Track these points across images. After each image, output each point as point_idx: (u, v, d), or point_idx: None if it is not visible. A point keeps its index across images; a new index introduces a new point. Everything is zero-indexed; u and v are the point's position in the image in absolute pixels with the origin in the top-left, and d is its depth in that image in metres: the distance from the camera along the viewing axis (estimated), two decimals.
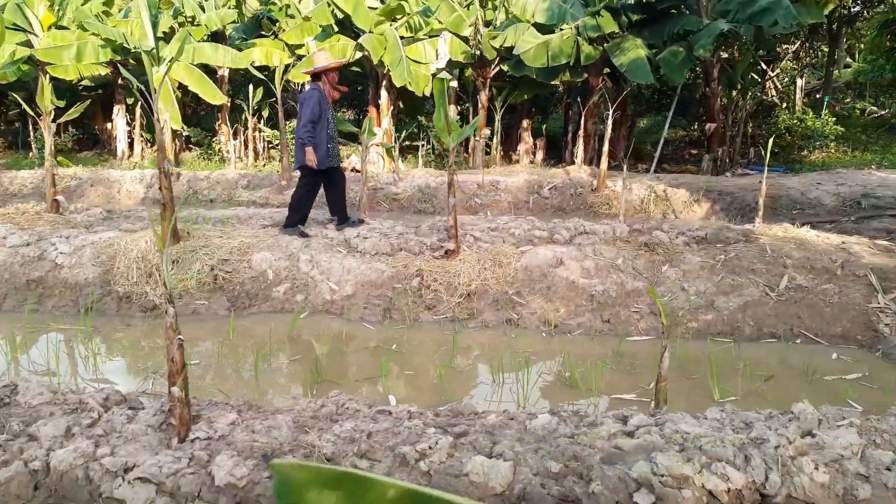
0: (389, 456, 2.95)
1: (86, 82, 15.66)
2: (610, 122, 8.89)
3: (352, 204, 9.22)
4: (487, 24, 12.70)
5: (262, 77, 11.30)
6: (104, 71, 13.62)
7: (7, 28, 13.80)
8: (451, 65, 12.40)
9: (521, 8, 11.83)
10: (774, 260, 5.68)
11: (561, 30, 11.57)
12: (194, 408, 3.29)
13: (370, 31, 12.00)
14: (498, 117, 12.70)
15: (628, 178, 9.98)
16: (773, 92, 13.23)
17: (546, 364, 4.61)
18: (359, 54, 12.11)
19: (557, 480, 2.78)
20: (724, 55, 12.65)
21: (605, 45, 11.63)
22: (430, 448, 2.95)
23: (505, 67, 12.50)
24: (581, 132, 12.58)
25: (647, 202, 8.92)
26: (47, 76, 12.82)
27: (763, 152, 7.11)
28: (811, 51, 14.79)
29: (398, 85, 11.55)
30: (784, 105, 12.93)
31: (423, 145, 13.44)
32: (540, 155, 13.89)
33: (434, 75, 12.38)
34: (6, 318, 5.29)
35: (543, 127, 14.61)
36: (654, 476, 2.73)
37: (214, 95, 12.78)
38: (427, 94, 12.15)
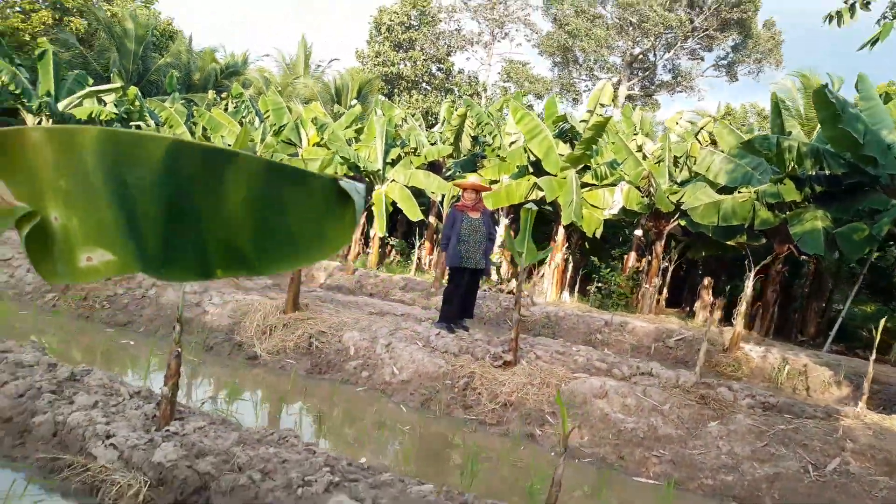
0: (284, 477, 3.56)
1: None
2: (750, 283, 8.63)
3: (482, 317, 9.97)
4: (672, 179, 13.02)
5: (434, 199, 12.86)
6: None
7: (283, 142, 17.48)
8: (626, 213, 12.88)
9: (705, 168, 12.04)
10: (836, 441, 5.19)
11: (739, 192, 11.51)
12: (184, 412, 4.24)
13: (556, 175, 13.06)
14: (671, 268, 12.73)
15: (780, 349, 9.37)
16: None
17: (523, 475, 4.79)
18: (541, 193, 13.16)
19: None
20: None
21: (788, 213, 11.28)
22: (314, 480, 3.53)
23: (682, 223, 12.61)
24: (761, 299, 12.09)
25: (778, 372, 8.31)
26: None
27: None
28: None
29: (564, 223, 12.32)
30: None
31: (595, 285, 13.85)
32: (718, 314, 13.36)
33: (606, 220, 12.96)
34: (154, 342, 6.86)
35: (727, 288, 14.10)
36: None
37: (415, 213, 14.69)
38: (598, 235, 12.70)
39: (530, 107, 29.94)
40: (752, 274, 8.70)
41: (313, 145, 17.33)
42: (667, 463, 5.17)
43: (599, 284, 13.83)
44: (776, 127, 11.93)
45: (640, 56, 40.18)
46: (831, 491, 4.75)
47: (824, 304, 13.01)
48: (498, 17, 42.25)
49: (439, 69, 39.15)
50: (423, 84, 38.67)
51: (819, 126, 11.38)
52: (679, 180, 12.96)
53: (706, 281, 13.81)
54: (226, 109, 20.90)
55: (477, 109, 15.90)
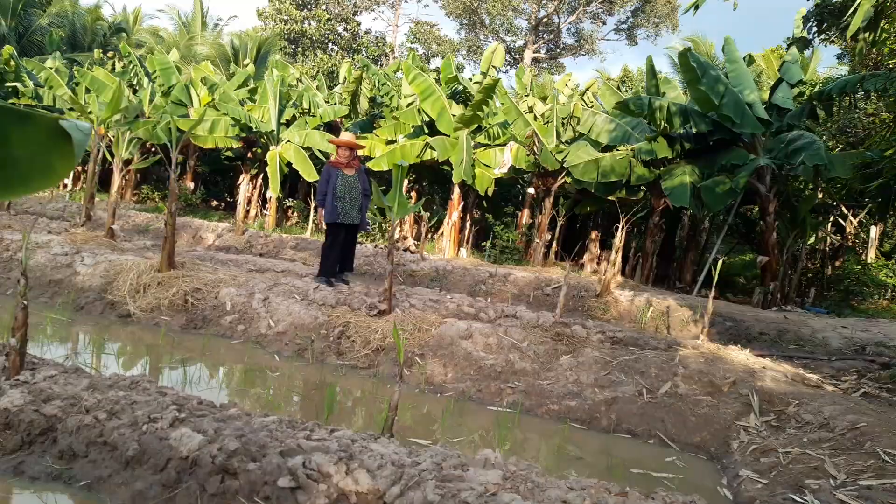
0: (130, 416, 3.69)
1: (229, 153, 18.47)
2: (620, 233, 9.22)
3: (373, 273, 10.19)
4: (559, 139, 13.53)
5: (324, 160, 12.90)
6: (236, 144, 16.11)
7: (173, 103, 16.90)
8: (516, 172, 13.31)
9: (587, 128, 12.57)
10: (670, 368, 5.75)
11: (618, 150, 12.13)
12: (37, 364, 4.27)
13: (449, 136, 13.30)
14: (560, 223, 13.30)
15: (650, 294, 10.07)
16: (851, 236, 12.59)
17: (377, 406, 5.09)
18: (435, 153, 13.39)
19: (229, 456, 3.36)
20: (813, 192, 12.39)
21: (662, 169, 11.99)
22: (160, 417, 3.67)
23: (568, 180, 13.16)
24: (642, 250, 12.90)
25: (642, 314, 8.98)
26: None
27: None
28: None
29: (455, 181, 12.63)
30: (860, 251, 12.24)
31: (490, 241, 14.31)
32: (604, 266, 14.11)
33: (497, 178, 13.35)
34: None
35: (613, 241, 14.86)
36: (302, 468, 3.24)
37: (311, 174, 14.63)
38: (490, 194, 13.09)
39: (436, 69, 29.95)
40: (622, 225, 9.28)
41: (205, 106, 16.86)
42: (520, 393, 5.60)
43: (495, 240, 14.30)
44: (651, 88, 12.58)
45: (545, 19, 40.79)
46: (661, 410, 5.30)
47: (700, 254, 13.96)
48: None
49: (345, 29, 38.42)
50: (329, 44, 37.90)
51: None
52: (565, 140, 13.47)
53: (593, 234, 14.53)
54: (112, 70, 19.92)
55: (373, 70, 15.87)
